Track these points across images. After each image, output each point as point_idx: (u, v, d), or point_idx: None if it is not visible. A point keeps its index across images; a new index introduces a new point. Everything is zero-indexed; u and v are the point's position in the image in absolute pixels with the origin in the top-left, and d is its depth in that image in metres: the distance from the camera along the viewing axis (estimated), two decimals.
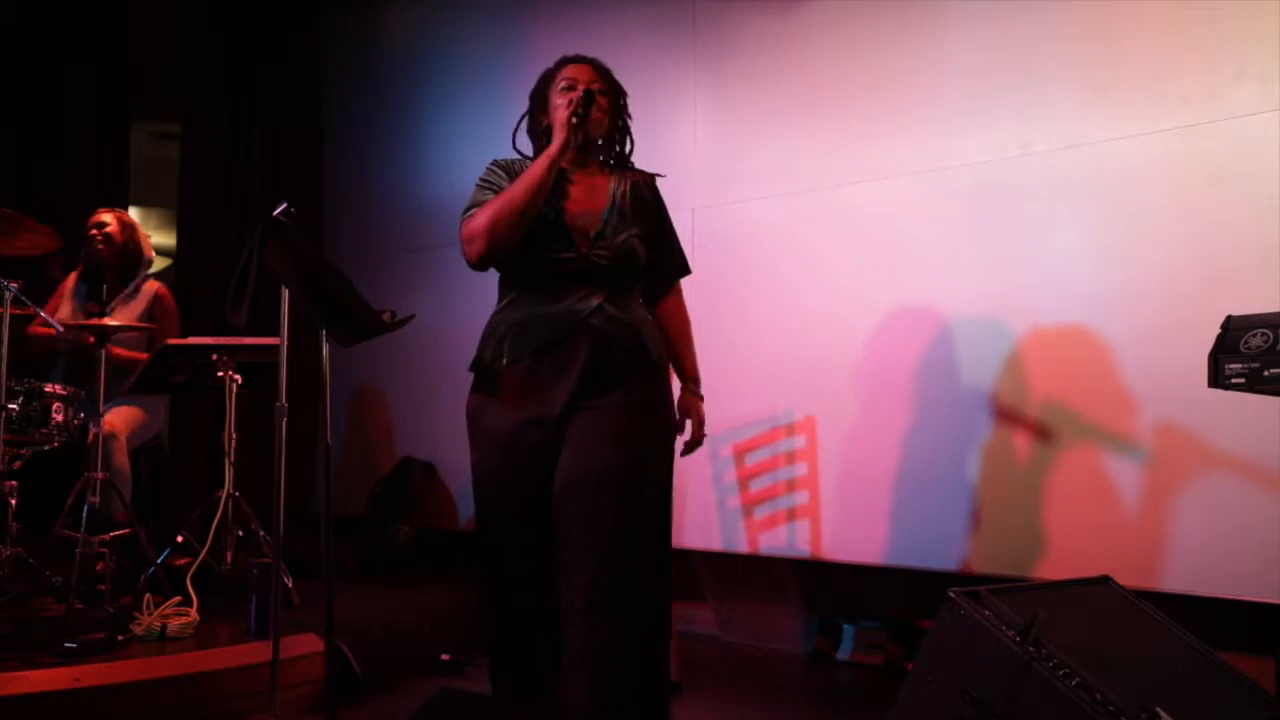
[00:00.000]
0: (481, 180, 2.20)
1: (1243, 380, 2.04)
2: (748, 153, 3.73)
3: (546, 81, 2.27)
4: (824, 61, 3.54)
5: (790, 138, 3.61)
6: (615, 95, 2.27)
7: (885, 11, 3.40)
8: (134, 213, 4.02)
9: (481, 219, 2.08)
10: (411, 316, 2.33)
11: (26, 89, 4.50)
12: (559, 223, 2.13)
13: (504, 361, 2.11)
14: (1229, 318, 2.13)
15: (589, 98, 2.13)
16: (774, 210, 3.63)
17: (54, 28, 4.59)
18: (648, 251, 2.22)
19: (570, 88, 2.19)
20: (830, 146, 3.51)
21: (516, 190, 2.07)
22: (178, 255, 5.06)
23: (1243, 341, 2.05)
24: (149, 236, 3.88)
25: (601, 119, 2.21)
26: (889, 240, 3.35)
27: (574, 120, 2.08)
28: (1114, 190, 2.93)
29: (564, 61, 2.27)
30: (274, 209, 2.19)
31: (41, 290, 3.67)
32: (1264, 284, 2.61)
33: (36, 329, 3.60)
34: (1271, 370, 2.00)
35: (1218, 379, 2.08)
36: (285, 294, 2.43)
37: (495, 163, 2.24)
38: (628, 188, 2.24)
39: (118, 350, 3.53)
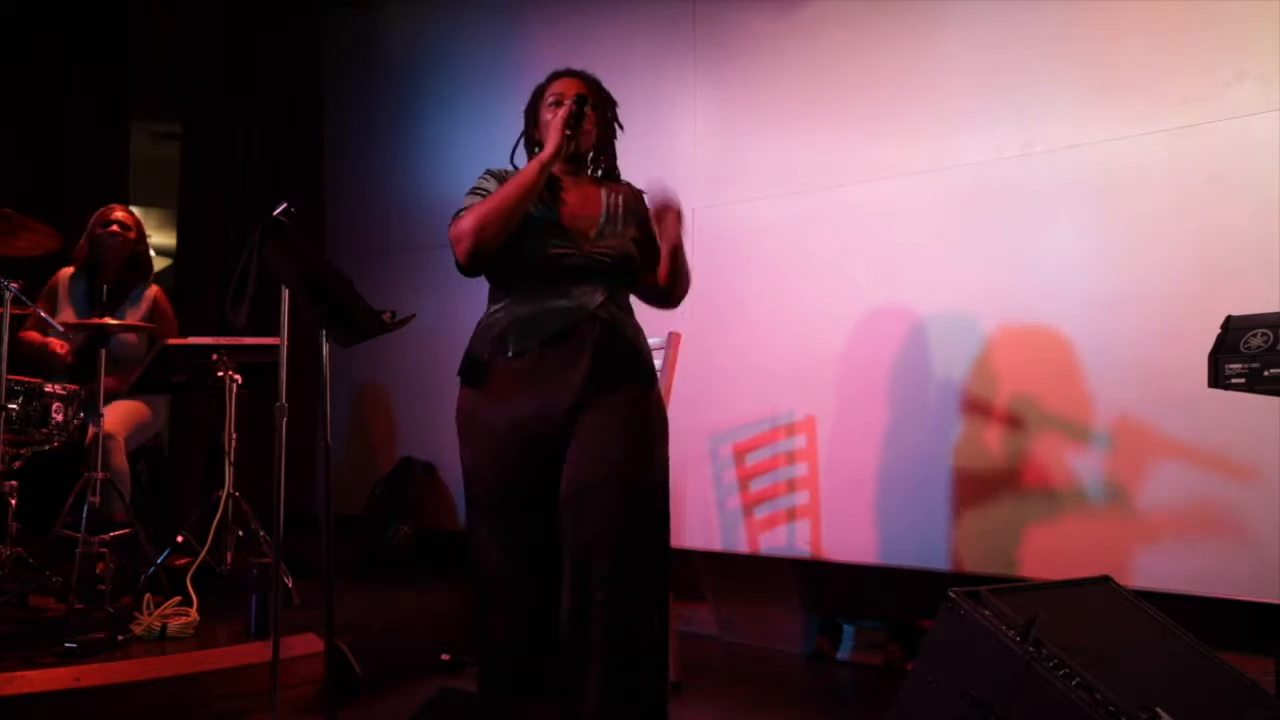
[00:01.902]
0: (473, 188, 2.24)
1: (1243, 380, 2.04)
2: (748, 153, 3.73)
3: (537, 96, 2.31)
4: (824, 61, 3.54)
5: (790, 138, 3.61)
6: (604, 108, 2.31)
7: (885, 11, 3.40)
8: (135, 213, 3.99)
9: (469, 219, 2.11)
10: (412, 316, 2.33)
11: (26, 89, 4.50)
12: (557, 224, 2.17)
13: (509, 354, 2.12)
14: (1229, 318, 2.13)
15: (582, 101, 2.17)
16: (774, 210, 3.63)
17: (54, 28, 4.58)
18: (641, 260, 2.24)
19: (558, 103, 2.23)
20: (830, 146, 3.51)
21: (507, 191, 2.10)
22: (178, 255, 5.06)
23: (1243, 341, 2.05)
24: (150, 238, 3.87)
25: (592, 131, 2.25)
26: (889, 240, 3.35)
27: (567, 131, 2.13)
28: (1114, 190, 2.93)
29: (553, 76, 2.31)
30: (274, 209, 2.19)
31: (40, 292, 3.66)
32: (1264, 284, 2.61)
33: (28, 334, 3.56)
34: (1271, 370, 2.00)
35: (1218, 379, 2.08)
36: (285, 294, 2.43)
37: (489, 171, 2.27)
38: (619, 198, 2.28)
39: (118, 381, 3.51)
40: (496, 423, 2.13)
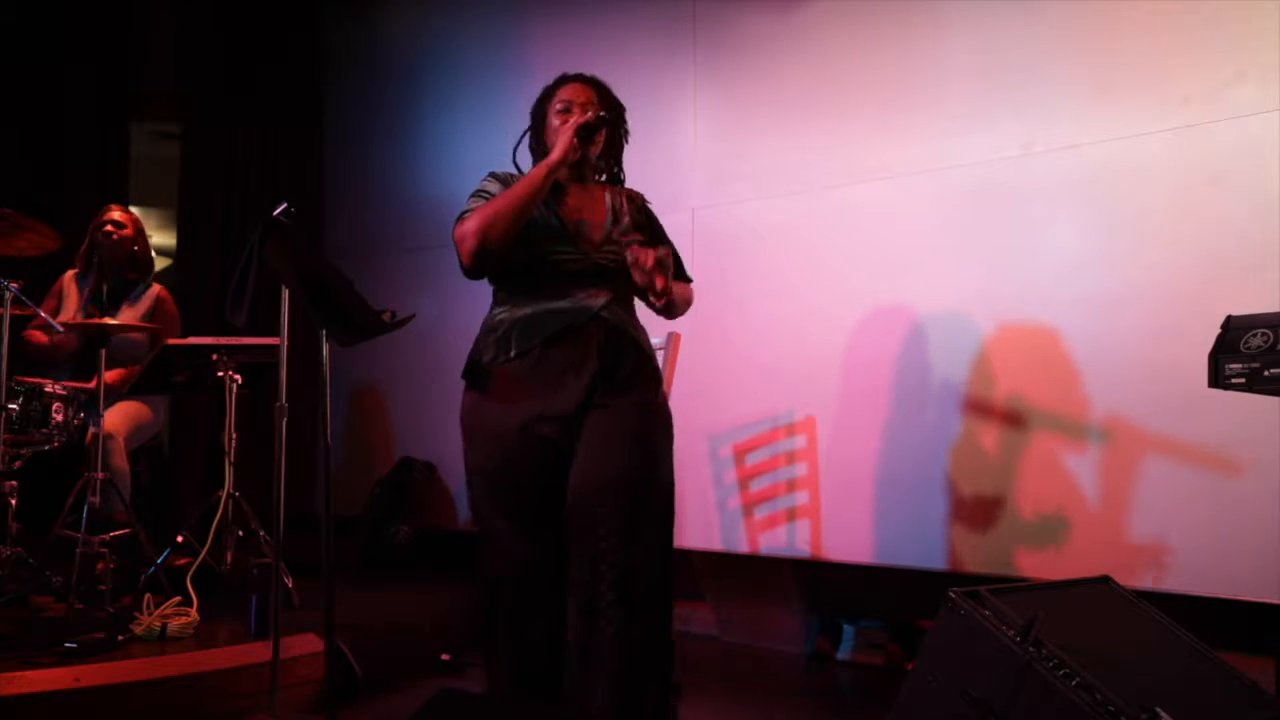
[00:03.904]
0: (476, 190, 2.23)
1: (1243, 380, 2.04)
2: (748, 153, 3.73)
3: (545, 99, 2.30)
4: (824, 61, 3.54)
5: (790, 138, 3.61)
6: (617, 117, 2.31)
7: (885, 11, 3.40)
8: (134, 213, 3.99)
9: (474, 221, 2.11)
10: (411, 316, 2.33)
11: (26, 89, 4.50)
12: (562, 229, 2.17)
13: (511, 354, 2.12)
14: (1229, 318, 2.13)
15: (603, 121, 2.17)
16: (774, 210, 3.63)
17: (54, 28, 4.58)
18: None
19: (566, 110, 2.23)
20: (830, 146, 3.51)
21: (513, 194, 2.10)
22: (178, 255, 5.06)
23: (1243, 341, 2.05)
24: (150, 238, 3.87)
25: (601, 140, 2.25)
26: (889, 240, 3.35)
27: (578, 138, 2.12)
28: (1114, 190, 2.93)
29: (562, 80, 2.30)
30: (274, 209, 2.19)
31: (41, 292, 3.66)
32: (1264, 284, 2.61)
33: (32, 333, 3.58)
34: (1271, 370, 2.00)
35: (1218, 379, 2.08)
36: (285, 294, 2.43)
37: (492, 174, 2.27)
38: (624, 202, 2.28)
39: (120, 375, 3.51)
40: (502, 424, 2.12)
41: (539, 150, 2.30)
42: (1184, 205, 2.81)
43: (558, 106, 2.25)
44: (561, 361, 2.10)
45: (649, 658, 2.04)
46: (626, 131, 2.36)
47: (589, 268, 2.14)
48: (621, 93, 2.37)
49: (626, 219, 2.24)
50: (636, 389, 2.13)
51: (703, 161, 3.84)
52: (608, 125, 2.24)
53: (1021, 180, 3.10)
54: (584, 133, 2.14)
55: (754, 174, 3.70)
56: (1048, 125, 3.05)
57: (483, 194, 2.21)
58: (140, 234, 3.75)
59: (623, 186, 2.36)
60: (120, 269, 3.68)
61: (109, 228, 3.66)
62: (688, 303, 2.31)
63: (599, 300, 2.12)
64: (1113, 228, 2.94)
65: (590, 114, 2.18)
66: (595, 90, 2.28)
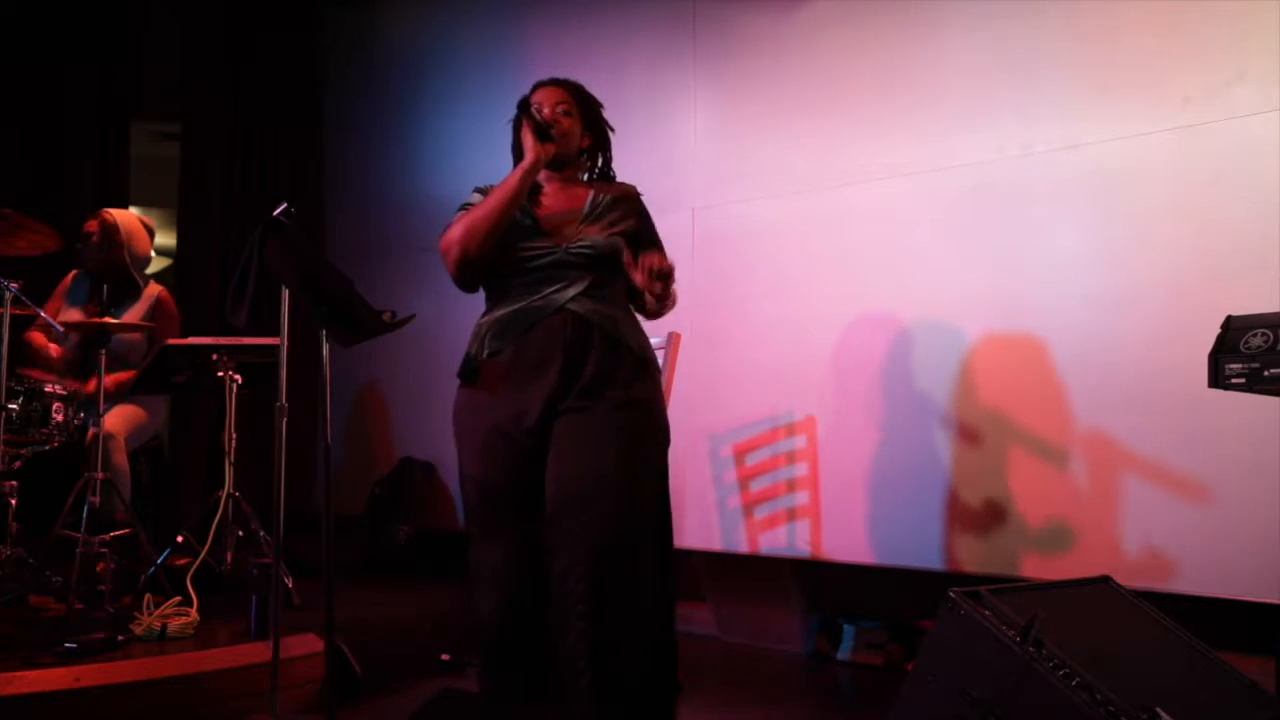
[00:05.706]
0: (463, 204, 2.26)
1: (1243, 380, 2.04)
2: (748, 153, 3.73)
3: (522, 107, 2.31)
4: (824, 61, 3.54)
5: (790, 138, 3.61)
6: (586, 111, 2.32)
7: (885, 11, 3.40)
8: (134, 213, 3.97)
9: (455, 231, 2.15)
10: (411, 316, 2.33)
11: (26, 89, 4.51)
12: (534, 225, 2.19)
13: (485, 355, 2.14)
14: (1229, 318, 2.13)
15: (523, 106, 2.20)
16: (774, 210, 3.63)
17: (54, 28, 4.59)
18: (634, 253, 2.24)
19: (537, 113, 2.25)
20: (830, 146, 3.51)
21: (490, 201, 2.14)
22: (178, 255, 5.06)
23: (1243, 341, 2.05)
24: (149, 236, 3.83)
25: (568, 135, 2.25)
26: (889, 240, 3.35)
27: (538, 140, 2.16)
28: (1114, 190, 2.93)
29: (535, 86, 2.33)
30: (274, 209, 2.20)
31: (41, 292, 3.66)
32: (1264, 284, 2.61)
33: (33, 334, 3.59)
34: (1271, 370, 2.00)
35: (1218, 379, 2.08)
36: (285, 294, 2.43)
37: (477, 189, 2.30)
38: (609, 197, 2.27)
39: (119, 378, 3.51)
40: (480, 423, 2.15)
41: (519, 158, 2.31)
42: (1184, 205, 2.80)
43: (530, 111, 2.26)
44: (531, 359, 2.10)
45: (627, 663, 2.02)
46: (608, 126, 2.36)
47: (560, 261, 2.14)
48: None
49: (606, 210, 2.24)
50: (613, 386, 2.10)
51: (703, 161, 3.84)
52: (567, 116, 2.25)
53: (1021, 180, 3.10)
54: (540, 134, 2.16)
55: (754, 174, 3.70)
56: (1048, 125, 3.05)
57: (467, 206, 2.23)
58: (109, 236, 3.64)
59: (614, 183, 2.36)
60: (112, 272, 3.64)
61: (80, 243, 3.65)
62: (672, 303, 2.28)
63: (569, 292, 2.12)
64: (1113, 228, 2.94)
65: (545, 113, 2.21)
66: (565, 91, 2.30)
